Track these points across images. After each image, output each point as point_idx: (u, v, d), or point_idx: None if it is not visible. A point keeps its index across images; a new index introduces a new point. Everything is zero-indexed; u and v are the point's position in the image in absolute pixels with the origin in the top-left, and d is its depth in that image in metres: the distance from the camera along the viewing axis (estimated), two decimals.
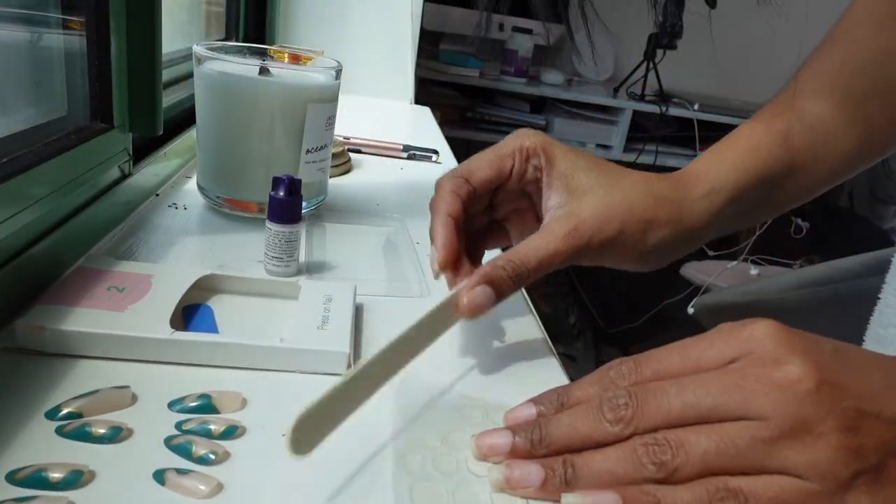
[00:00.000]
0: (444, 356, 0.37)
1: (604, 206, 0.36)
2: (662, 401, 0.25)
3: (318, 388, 0.33)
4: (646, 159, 1.85)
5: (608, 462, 0.25)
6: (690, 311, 1.14)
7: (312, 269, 0.46)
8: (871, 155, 0.46)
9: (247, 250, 0.47)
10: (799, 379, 0.23)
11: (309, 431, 0.25)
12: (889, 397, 0.24)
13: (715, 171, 0.40)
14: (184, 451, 0.27)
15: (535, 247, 0.35)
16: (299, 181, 0.43)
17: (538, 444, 0.27)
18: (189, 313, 0.37)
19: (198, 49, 0.49)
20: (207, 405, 0.30)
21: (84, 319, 0.32)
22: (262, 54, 0.54)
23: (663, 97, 1.82)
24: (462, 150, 0.78)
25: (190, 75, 0.70)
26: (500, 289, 0.33)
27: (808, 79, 0.44)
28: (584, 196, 0.36)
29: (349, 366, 0.34)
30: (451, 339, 0.39)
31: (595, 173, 0.37)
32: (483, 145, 0.39)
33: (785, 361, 0.24)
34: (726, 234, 0.44)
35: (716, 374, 0.25)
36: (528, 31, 1.80)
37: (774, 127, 0.42)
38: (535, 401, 0.30)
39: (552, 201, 0.37)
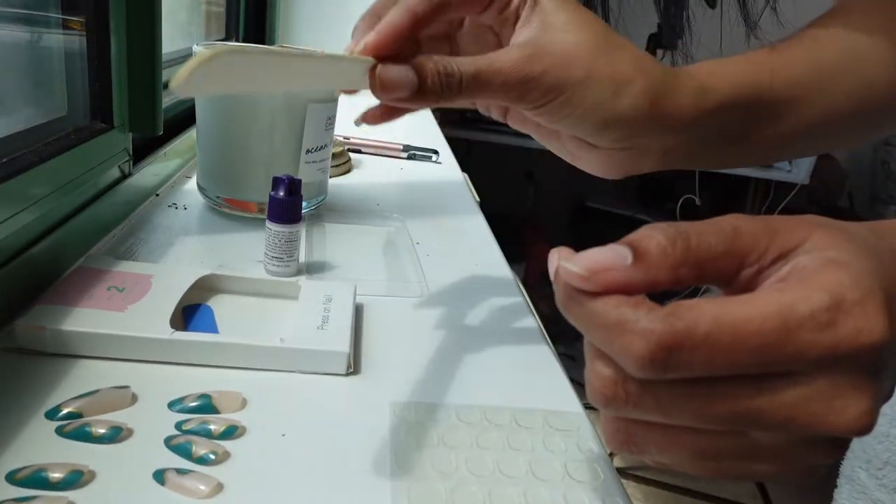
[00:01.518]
0: (445, 355, 0.37)
1: (575, 44, 0.31)
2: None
3: (318, 387, 0.33)
4: None
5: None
6: None
7: (312, 269, 0.46)
8: None
9: (247, 250, 0.47)
10: (859, 422, 0.19)
11: (209, 72, 0.22)
12: None
13: (711, 73, 0.35)
14: (184, 451, 0.27)
15: (477, 59, 0.29)
16: (299, 181, 0.43)
17: None
18: (189, 313, 0.37)
19: (197, 49, 0.49)
20: (207, 405, 0.30)
21: (84, 319, 0.32)
22: None
23: None
24: (462, 150, 0.78)
25: None
26: (422, 76, 0.28)
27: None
28: (558, 32, 0.31)
29: (349, 365, 0.34)
30: (452, 338, 0.39)
31: (581, 15, 0.32)
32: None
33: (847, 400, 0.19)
34: (705, 165, 0.38)
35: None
36: None
37: (789, 49, 0.37)
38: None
39: (522, 36, 0.32)
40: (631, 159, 0.34)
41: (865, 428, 0.19)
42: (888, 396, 0.21)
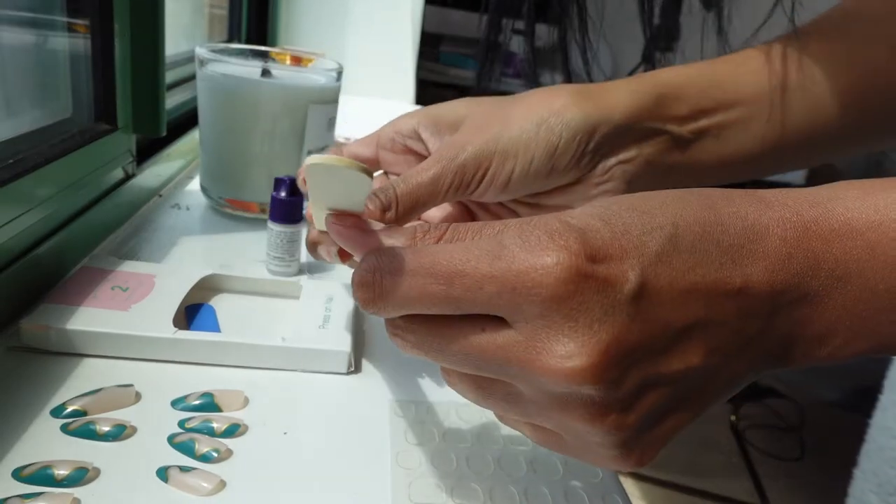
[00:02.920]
0: None
1: (477, 113, 0.33)
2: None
3: (319, 386, 0.33)
4: None
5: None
6: None
7: (314, 268, 0.46)
8: (865, 124, 0.37)
9: (249, 250, 0.47)
10: (578, 373, 0.19)
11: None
12: (668, 343, 0.20)
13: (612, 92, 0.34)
14: (187, 449, 0.27)
15: (404, 176, 0.30)
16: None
17: None
18: (191, 313, 0.37)
19: (200, 51, 0.49)
20: (210, 403, 0.30)
21: (88, 319, 0.32)
22: (264, 56, 0.55)
23: None
24: None
25: (193, 77, 0.71)
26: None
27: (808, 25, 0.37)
28: (455, 125, 0.33)
29: (350, 364, 0.34)
30: None
31: (469, 104, 0.34)
32: None
33: (561, 353, 0.19)
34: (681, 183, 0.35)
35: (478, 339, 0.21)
36: (521, 31, 1.81)
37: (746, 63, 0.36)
38: None
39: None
40: (601, 192, 0.34)
41: (575, 373, 0.19)
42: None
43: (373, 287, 0.21)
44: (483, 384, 0.23)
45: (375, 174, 0.37)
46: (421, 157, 0.35)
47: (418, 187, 0.30)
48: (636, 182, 0.34)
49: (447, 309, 0.21)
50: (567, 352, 0.19)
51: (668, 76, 0.36)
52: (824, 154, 0.40)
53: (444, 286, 0.20)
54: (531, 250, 0.20)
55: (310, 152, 0.51)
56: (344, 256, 0.32)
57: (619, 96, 0.33)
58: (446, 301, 0.20)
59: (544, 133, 0.31)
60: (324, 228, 0.30)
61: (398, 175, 0.32)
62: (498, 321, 0.21)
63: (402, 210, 0.29)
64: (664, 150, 0.35)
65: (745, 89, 0.36)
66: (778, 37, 0.37)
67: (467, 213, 0.37)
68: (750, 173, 0.39)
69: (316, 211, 0.27)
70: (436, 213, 0.37)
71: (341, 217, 0.24)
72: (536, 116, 0.32)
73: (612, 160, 0.33)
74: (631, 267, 0.20)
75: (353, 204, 0.24)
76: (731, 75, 0.36)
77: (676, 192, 0.22)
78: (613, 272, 0.19)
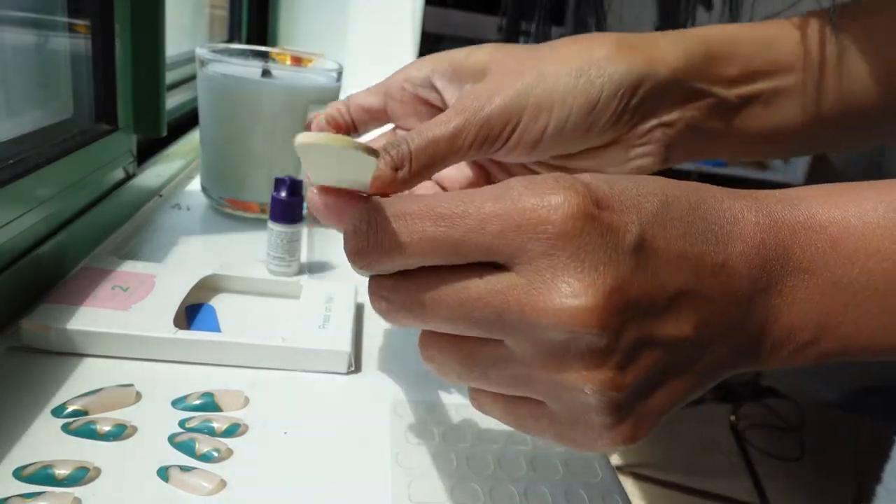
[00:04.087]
0: None
1: (510, 59, 0.29)
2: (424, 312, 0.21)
3: (320, 386, 0.33)
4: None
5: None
6: None
7: (314, 268, 0.46)
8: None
9: (249, 250, 0.47)
10: (583, 314, 0.18)
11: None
12: (674, 307, 0.20)
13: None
14: (187, 449, 0.27)
15: (418, 128, 0.27)
16: (301, 182, 0.44)
17: None
18: (192, 312, 0.37)
19: (201, 52, 0.49)
20: (210, 403, 0.30)
21: (88, 319, 0.32)
22: (264, 56, 0.55)
23: None
24: None
25: (193, 77, 0.71)
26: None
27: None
28: (483, 72, 0.30)
29: (350, 364, 0.34)
30: None
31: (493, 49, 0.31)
32: None
33: (564, 294, 0.19)
34: (715, 153, 0.34)
35: (474, 294, 0.20)
36: (528, 33, 1.81)
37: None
38: None
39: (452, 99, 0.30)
40: (638, 155, 0.31)
41: (580, 313, 0.18)
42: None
43: (366, 234, 0.20)
44: (469, 348, 0.21)
45: (383, 129, 0.34)
46: (435, 110, 0.32)
47: (436, 142, 0.26)
48: (675, 149, 0.31)
49: (447, 255, 0.20)
50: (573, 291, 0.18)
51: (717, 33, 0.32)
52: (862, 136, 0.37)
53: (445, 228, 0.19)
54: (537, 191, 0.19)
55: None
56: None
57: (667, 49, 0.30)
58: (447, 244, 0.19)
59: (584, 85, 0.28)
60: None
61: (409, 131, 0.28)
62: (496, 268, 0.20)
63: (417, 167, 0.26)
64: (707, 115, 0.32)
65: (799, 53, 0.33)
66: (817, 9, 0.35)
67: (484, 175, 0.34)
68: (788, 150, 0.36)
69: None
70: (452, 172, 0.34)
71: (333, 191, 0.22)
72: (575, 67, 0.29)
73: (653, 121, 0.31)
74: (632, 221, 0.19)
75: (359, 184, 0.21)
76: (787, 37, 0.33)
77: (661, 178, 0.23)
78: (616, 221, 0.19)
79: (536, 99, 0.28)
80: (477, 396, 0.23)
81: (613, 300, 0.19)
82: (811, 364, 0.22)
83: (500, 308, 0.19)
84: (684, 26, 0.35)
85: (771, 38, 0.33)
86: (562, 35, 0.33)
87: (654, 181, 0.21)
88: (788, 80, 0.33)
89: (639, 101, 0.30)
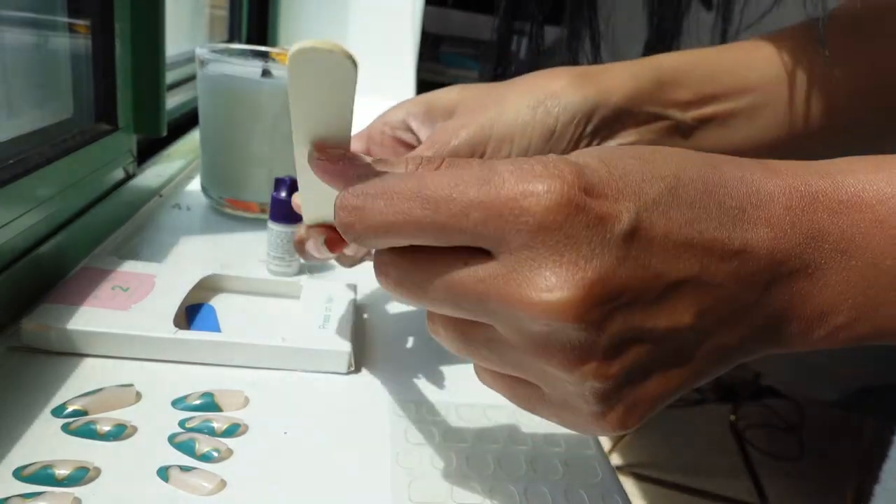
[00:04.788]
0: (445, 354, 0.38)
1: (469, 97, 0.31)
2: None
3: (319, 386, 0.33)
4: None
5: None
6: None
7: (314, 268, 0.46)
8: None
9: (249, 250, 0.47)
10: (558, 308, 0.18)
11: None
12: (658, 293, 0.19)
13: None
14: (187, 449, 0.27)
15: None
16: None
17: None
18: (192, 312, 0.37)
19: (201, 52, 0.49)
20: (210, 403, 0.30)
21: (89, 319, 0.32)
22: (265, 56, 0.55)
23: None
24: None
25: (193, 77, 0.71)
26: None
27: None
28: (448, 110, 0.32)
29: (350, 364, 0.34)
30: None
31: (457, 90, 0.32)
32: None
33: (544, 287, 0.18)
34: None
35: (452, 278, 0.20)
36: (522, 32, 1.81)
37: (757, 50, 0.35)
38: None
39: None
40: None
41: (555, 307, 0.18)
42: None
43: (355, 210, 0.20)
44: (465, 328, 0.21)
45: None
46: (413, 150, 0.34)
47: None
48: None
49: (431, 237, 0.20)
50: (548, 285, 0.18)
51: (672, 60, 0.34)
52: (832, 151, 0.39)
53: (429, 211, 0.19)
54: (523, 177, 0.19)
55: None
56: (333, 247, 0.30)
57: (617, 78, 0.32)
58: (431, 227, 0.19)
59: (541, 116, 0.30)
60: (315, 220, 0.28)
61: None
62: (482, 254, 0.20)
63: None
64: (666, 137, 0.33)
65: (757, 76, 0.34)
66: (789, 26, 0.36)
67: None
68: None
69: (304, 191, 0.26)
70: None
71: (326, 151, 0.23)
72: (533, 99, 0.31)
73: (612, 144, 0.32)
74: (626, 209, 0.19)
75: (339, 116, 0.22)
76: (742, 61, 0.35)
77: (682, 150, 0.22)
78: (606, 209, 0.19)
79: (498, 131, 0.30)
80: (480, 371, 0.24)
81: (593, 293, 0.18)
82: (847, 346, 0.22)
83: (482, 296, 0.19)
84: (673, 29, 0.36)
85: (727, 64, 0.35)
86: (557, 35, 0.35)
87: (670, 160, 0.21)
88: (742, 102, 0.35)
89: (594, 128, 0.32)
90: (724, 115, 0.34)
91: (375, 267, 0.22)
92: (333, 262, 0.48)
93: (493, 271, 0.19)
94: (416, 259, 0.21)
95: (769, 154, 0.36)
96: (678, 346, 0.20)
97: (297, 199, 0.32)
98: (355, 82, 0.20)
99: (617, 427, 0.21)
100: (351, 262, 0.36)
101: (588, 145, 0.31)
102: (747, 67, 0.35)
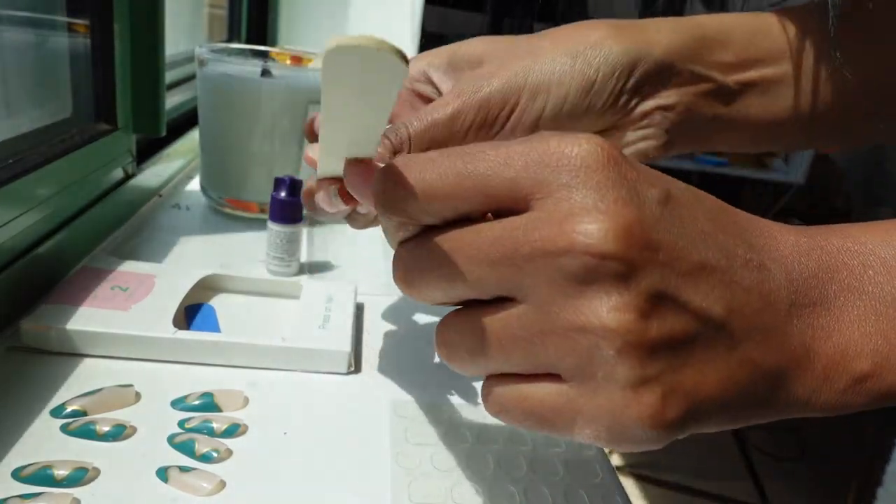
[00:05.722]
0: None
1: (500, 47, 0.30)
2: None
3: (319, 386, 0.33)
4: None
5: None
6: None
7: (314, 268, 0.46)
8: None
9: (248, 250, 0.47)
10: (602, 235, 0.18)
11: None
12: (704, 275, 0.19)
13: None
14: (187, 449, 0.27)
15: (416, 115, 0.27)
16: (300, 182, 0.43)
17: None
18: (191, 312, 0.37)
19: (200, 51, 0.49)
20: (210, 403, 0.30)
21: (88, 319, 0.32)
22: (264, 56, 0.55)
23: None
24: None
25: (193, 77, 0.71)
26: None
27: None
28: (478, 60, 0.30)
29: (350, 364, 0.34)
30: None
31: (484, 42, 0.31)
32: None
33: (582, 219, 0.18)
34: (715, 144, 0.34)
35: (491, 239, 0.19)
36: (511, 28, 1.81)
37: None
38: None
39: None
40: (639, 139, 0.32)
41: (599, 235, 0.17)
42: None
43: (396, 176, 0.19)
44: (478, 318, 0.20)
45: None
46: None
47: (434, 125, 0.27)
48: (676, 134, 0.31)
49: (471, 192, 0.19)
50: (591, 217, 0.18)
51: (714, 21, 0.33)
52: (858, 130, 0.36)
53: (470, 162, 0.19)
54: (565, 137, 0.19)
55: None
56: (347, 199, 0.28)
57: (660, 32, 0.31)
58: (472, 179, 0.19)
59: (580, 66, 0.28)
60: (329, 173, 0.26)
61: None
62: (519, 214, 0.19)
63: (416, 150, 0.26)
64: (707, 99, 0.32)
65: (795, 44, 0.33)
66: (810, 2, 0.34)
67: None
68: (788, 142, 0.36)
69: (324, 148, 0.24)
70: None
71: (359, 163, 0.22)
72: (571, 48, 0.29)
73: (651, 103, 0.30)
74: (658, 181, 0.19)
75: (379, 113, 0.20)
76: (781, 27, 0.33)
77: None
78: (642, 178, 0.19)
79: (534, 80, 0.28)
80: (489, 389, 0.21)
81: (635, 232, 0.18)
82: (874, 405, 0.20)
83: (515, 243, 0.18)
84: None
85: (765, 28, 0.33)
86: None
87: (687, 186, 0.21)
88: (782, 68, 0.33)
89: (635, 82, 0.30)
90: (765, 81, 0.33)
91: (396, 258, 0.21)
92: (334, 260, 0.48)
93: (530, 217, 0.18)
94: (445, 234, 0.20)
95: (811, 126, 0.34)
96: (712, 336, 0.19)
97: (310, 153, 0.30)
98: (402, 82, 0.19)
99: (653, 413, 0.18)
100: (363, 223, 0.33)
101: (628, 102, 0.30)
102: (784, 33, 0.33)
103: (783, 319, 0.20)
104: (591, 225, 0.18)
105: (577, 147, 0.18)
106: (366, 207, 0.29)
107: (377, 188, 0.20)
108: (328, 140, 0.23)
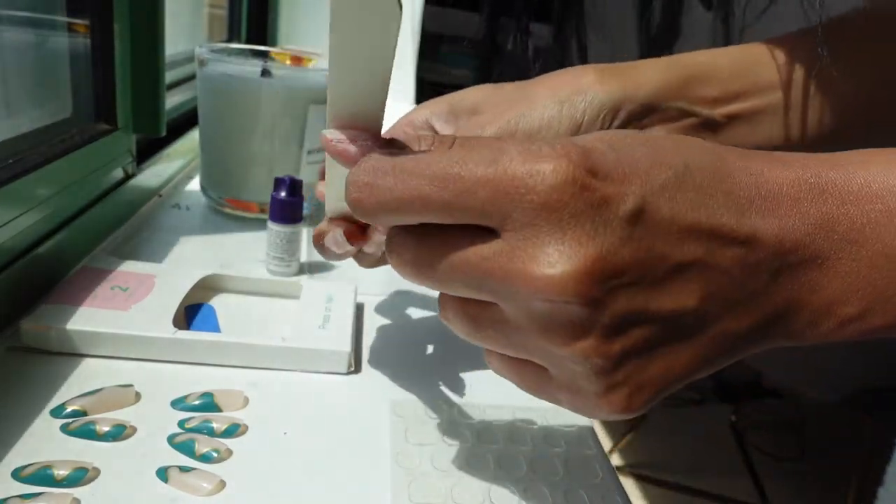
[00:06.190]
0: (445, 354, 0.38)
1: (492, 94, 0.32)
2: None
3: (319, 386, 0.33)
4: None
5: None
6: None
7: (313, 268, 0.46)
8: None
9: (248, 250, 0.47)
10: (559, 282, 0.19)
11: None
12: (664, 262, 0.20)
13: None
14: (187, 449, 0.27)
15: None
16: (300, 182, 0.43)
17: None
18: (191, 313, 0.37)
19: (200, 51, 0.49)
20: (210, 404, 0.30)
21: (88, 319, 0.32)
22: (264, 56, 0.55)
23: None
24: None
25: (193, 77, 0.71)
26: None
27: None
28: (475, 106, 0.32)
29: (350, 364, 0.34)
30: (452, 336, 0.39)
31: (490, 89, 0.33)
32: None
33: (544, 263, 0.19)
34: None
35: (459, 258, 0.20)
36: (507, 29, 1.80)
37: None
38: None
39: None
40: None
41: (555, 282, 0.19)
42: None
43: (366, 186, 0.21)
44: (473, 311, 0.22)
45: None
46: None
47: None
48: None
49: (439, 214, 0.20)
50: (550, 261, 0.19)
51: (699, 58, 0.34)
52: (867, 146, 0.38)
53: (437, 188, 0.19)
54: (530, 157, 0.19)
55: (310, 152, 0.51)
56: (352, 238, 0.30)
57: (645, 74, 0.32)
58: (439, 205, 0.20)
59: (567, 111, 0.31)
60: (337, 211, 0.28)
61: None
62: (488, 234, 0.20)
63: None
64: (695, 131, 0.33)
65: (783, 73, 0.34)
66: (801, 29, 0.36)
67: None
68: None
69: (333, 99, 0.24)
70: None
71: (344, 131, 0.23)
72: (559, 95, 0.31)
73: (625, 131, 0.32)
74: (632, 192, 0.19)
75: (378, 73, 0.21)
76: (767, 59, 0.35)
77: (691, 138, 0.22)
78: (611, 191, 0.19)
79: (525, 126, 0.30)
80: (489, 356, 0.24)
81: (595, 269, 0.19)
82: (858, 339, 0.21)
83: (487, 273, 0.20)
84: (671, 27, 0.36)
85: (751, 60, 0.35)
86: (543, 33, 0.35)
87: (679, 148, 0.21)
88: (769, 98, 0.35)
89: (621, 123, 0.32)
90: (751, 113, 0.34)
91: (386, 245, 0.22)
92: (335, 262, 0.48)
93: (497, 249, 0.20)
94: (425, 237, 0.21)
95: (802, 151, 0.36)
96: (683, 329, 0.20)
97: (321, 188, 0.32)
98: (398, 29, 0.20)
99: (622, 409, 0.21)
100: (370, 263, 0.35)
101: None
102: (773, 63, 0.35)
103: (767, 283, 0.20)
104: (549, 270, 0.19)
105: (541, 178, 0.19)
106: (372, 247, 0.31)
107: (349, 195, 0.21)
108: (335, 96, 0.24)
